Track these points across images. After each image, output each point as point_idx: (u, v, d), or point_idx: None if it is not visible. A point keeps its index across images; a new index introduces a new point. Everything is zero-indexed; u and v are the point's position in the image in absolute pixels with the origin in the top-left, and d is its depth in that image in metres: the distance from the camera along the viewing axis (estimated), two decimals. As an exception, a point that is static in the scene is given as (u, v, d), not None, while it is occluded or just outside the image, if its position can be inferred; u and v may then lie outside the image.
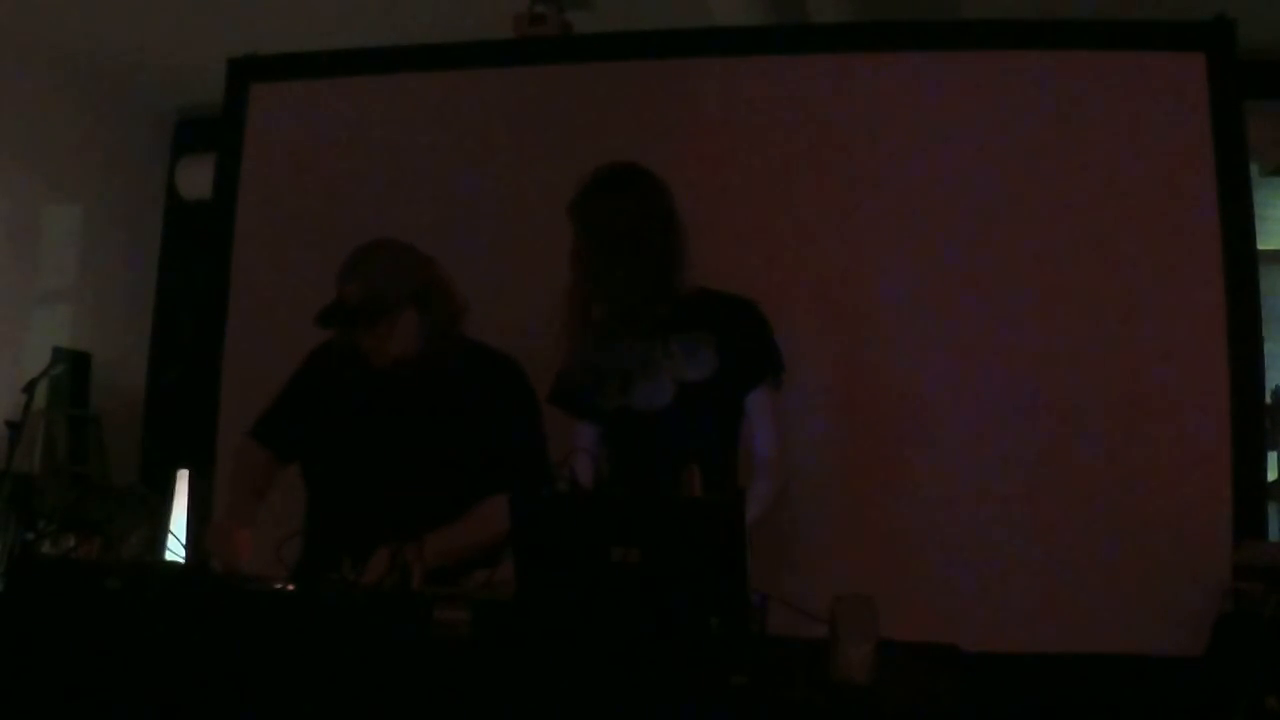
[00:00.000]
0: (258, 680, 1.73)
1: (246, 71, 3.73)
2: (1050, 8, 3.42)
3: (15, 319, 5.16)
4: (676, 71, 3.46)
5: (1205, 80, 3.15)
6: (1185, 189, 3.13)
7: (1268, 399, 3.28)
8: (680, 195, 2.52)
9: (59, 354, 4.93)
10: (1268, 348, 3.11)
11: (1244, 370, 3.05)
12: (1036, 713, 2.87)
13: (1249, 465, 3.03)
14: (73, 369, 5.18)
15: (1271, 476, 3.36)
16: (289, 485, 2.65)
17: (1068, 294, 3.16)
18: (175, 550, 2.65)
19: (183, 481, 3.82)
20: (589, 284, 2.44)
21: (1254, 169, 3.63)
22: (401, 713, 1.68)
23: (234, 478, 2.64)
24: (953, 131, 3.27)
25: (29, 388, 3.08)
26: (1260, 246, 3.18)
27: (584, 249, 2.45)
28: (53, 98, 5.28)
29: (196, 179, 5.49)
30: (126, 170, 5.81)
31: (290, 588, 1.99)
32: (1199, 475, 3.03)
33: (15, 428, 3.80)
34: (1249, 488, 3.02)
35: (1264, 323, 3.09)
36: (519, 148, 3.50)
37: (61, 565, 2.08)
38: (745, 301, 2.52)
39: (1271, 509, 3.27)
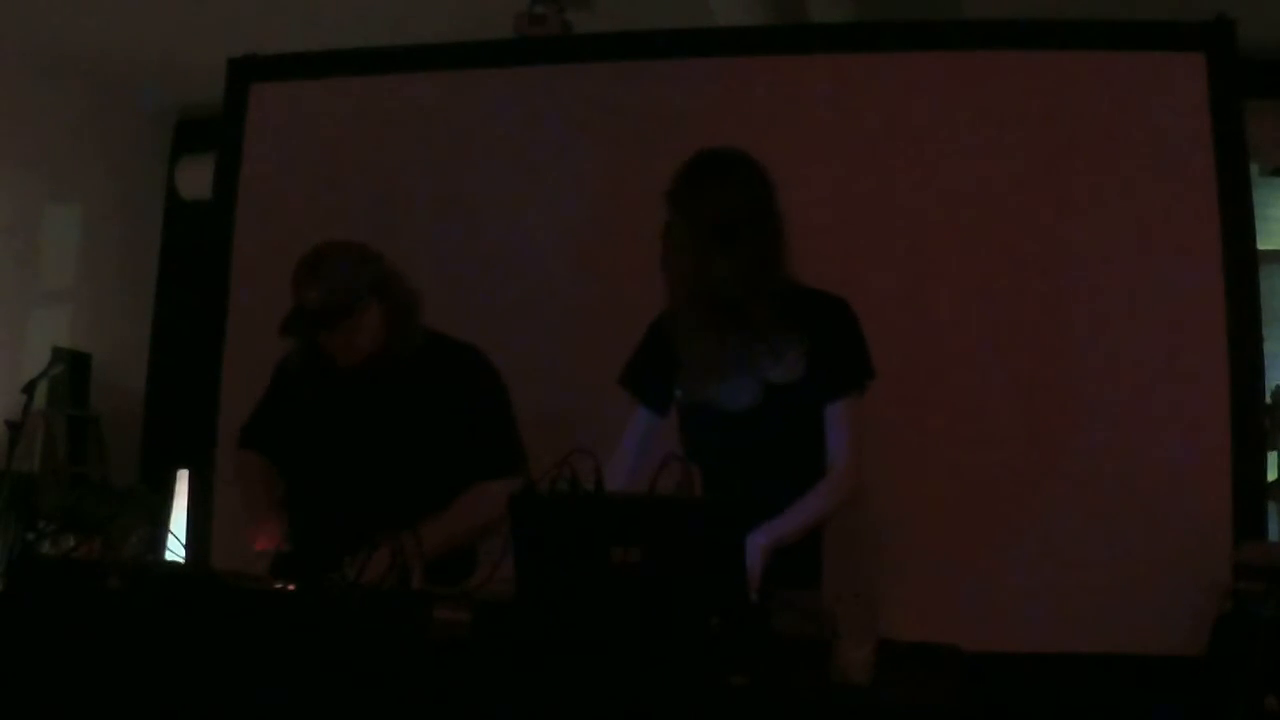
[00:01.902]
0: (258, 680, 1.73)
1: (246, 71, 3.74)
2: (1050, 8, 3.42)
3: (15, 319, 5.16)
4: (676, 71, 3.46)
5: (1205, 80, 3.16)
6: (1185, 189, 3.14)
7: (1268, 399, 3.28)
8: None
9: (59, 354, 4.93)
10: (1268, 348, 3.11)
11: (1244, 370, 3.06)
12: (1036, 713, 2.87)
13: (1249, 465, 3.04)
14: (73, 369, 5.17)
15: (1271, 476, 3.35)
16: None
17: (1068, 294, 3.16)
18: (175, 550, 2.65)
19: (183, 481, 3.82)
20: (684, 272, 2.27)
21: (1254, 169, 3.63)
22: (401, 713, 1.68)
23: (243, 485, 2.61)
24: (952, 131, 3.27)
25: (29, 388, 3.07)
26: (1260, 246, 3.19)
27: (680, 235, 2.27)
28: (53, 98, 5.28)
29: (196, 179, 5.48)
30: (126, 170, 5.80)
31: (290, 588, 1.99)
32: (1199, 475, 3.03)
33: (15, 428, 3.79)
34: (1249, 488, 3.02)
35: (1264, 323, 3.09)
36: (519, 147, 3.50)
37: (61, 565, 2.08)
38: (838, 302, 2.37)
39: (1271, 509, 3.27)
